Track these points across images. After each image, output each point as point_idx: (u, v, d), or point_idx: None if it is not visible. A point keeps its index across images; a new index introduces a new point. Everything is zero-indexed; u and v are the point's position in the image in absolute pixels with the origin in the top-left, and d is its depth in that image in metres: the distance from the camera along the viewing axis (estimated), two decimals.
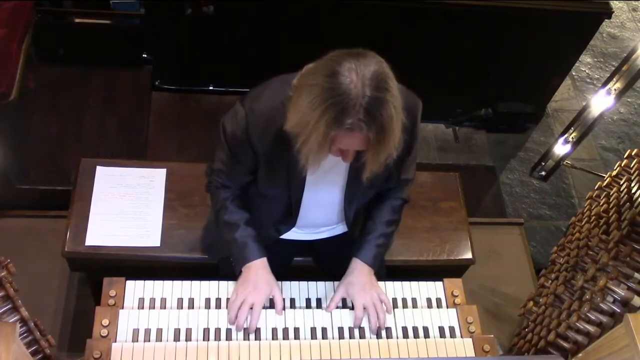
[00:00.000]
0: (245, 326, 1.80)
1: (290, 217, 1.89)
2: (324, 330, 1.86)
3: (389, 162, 1.51)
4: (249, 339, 1.80)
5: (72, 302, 2.67)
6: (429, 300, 2.00)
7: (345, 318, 1.89)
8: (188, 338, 1.79)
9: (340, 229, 2.04)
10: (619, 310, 1.78)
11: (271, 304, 1.87)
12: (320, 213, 1.92)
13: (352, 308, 1.89)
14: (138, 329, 1.78)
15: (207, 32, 3.14)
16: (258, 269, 1.83)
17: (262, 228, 1.93)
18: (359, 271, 1.90)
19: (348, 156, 1.54)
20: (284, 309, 1.88)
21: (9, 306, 1.64)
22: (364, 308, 1.87)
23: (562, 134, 3.28)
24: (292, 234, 2.01)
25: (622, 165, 2.36)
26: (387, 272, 2.18)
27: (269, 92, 1.65)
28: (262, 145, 1.66)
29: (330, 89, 1.37)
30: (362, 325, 1.88)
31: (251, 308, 1.81)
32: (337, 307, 1.91)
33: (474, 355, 1.83)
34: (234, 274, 1.90)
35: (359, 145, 1.47)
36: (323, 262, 2.20)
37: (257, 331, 1.82)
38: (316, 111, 1.38)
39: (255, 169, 1.77)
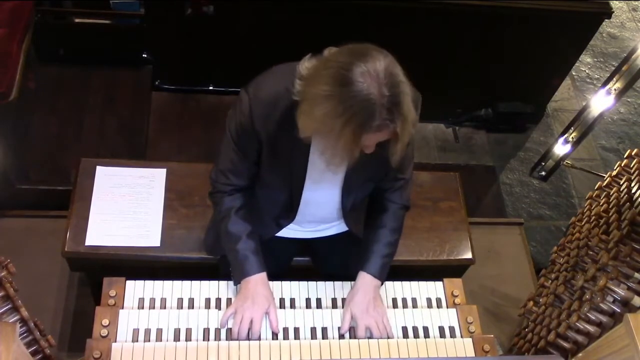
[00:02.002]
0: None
1: (290, 209, 1.89)
2: (324, 330, 1.86)
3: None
4: (249, 339, 1.80)
5: (72, 302, 2.66)
6: (429, 300, 2.00)
7: None
8: (188, 338, 1.79)
9: (339, 227, 2.04)
10: (619, 310, 1.78)
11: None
12: (319, 207, 1.91)
13: None
14: (138, 329, 1.78)
15: (207, 32, 3.14)
16: (257, 284, 1.83)
17: (263, 223, 1.94)
18: (365, 289, 1.88)
19: (371, 147, 1.53)
20: (283, 308, 1.88)
21: (9, 306, 1.64)
22: (367, 328, 1.85)
23: (562, 134, 3.28)
24: (292, 232, 2.01)
25: (622, 165, 2.36)
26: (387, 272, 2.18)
27: (272, 79, 1.67)
28: (265, 131, 1.67)
29: (350, 97, 1.37)
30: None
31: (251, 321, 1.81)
32: (337, 308, 1.91)
33: (474, 355, 1.83)
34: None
35: (385, 138, 1.49)
36: (321, 262, 2.19)
37: None
38: (338, 120, 1.39)
39: (259, 159, 1.77)
